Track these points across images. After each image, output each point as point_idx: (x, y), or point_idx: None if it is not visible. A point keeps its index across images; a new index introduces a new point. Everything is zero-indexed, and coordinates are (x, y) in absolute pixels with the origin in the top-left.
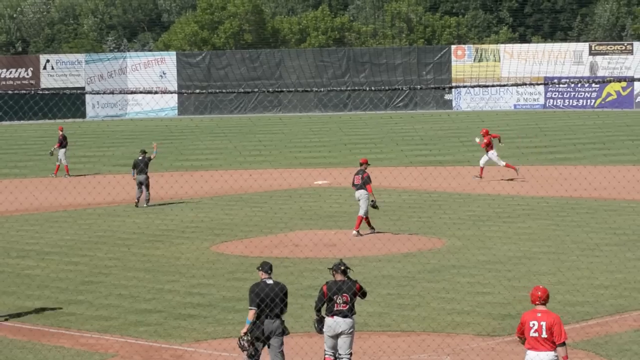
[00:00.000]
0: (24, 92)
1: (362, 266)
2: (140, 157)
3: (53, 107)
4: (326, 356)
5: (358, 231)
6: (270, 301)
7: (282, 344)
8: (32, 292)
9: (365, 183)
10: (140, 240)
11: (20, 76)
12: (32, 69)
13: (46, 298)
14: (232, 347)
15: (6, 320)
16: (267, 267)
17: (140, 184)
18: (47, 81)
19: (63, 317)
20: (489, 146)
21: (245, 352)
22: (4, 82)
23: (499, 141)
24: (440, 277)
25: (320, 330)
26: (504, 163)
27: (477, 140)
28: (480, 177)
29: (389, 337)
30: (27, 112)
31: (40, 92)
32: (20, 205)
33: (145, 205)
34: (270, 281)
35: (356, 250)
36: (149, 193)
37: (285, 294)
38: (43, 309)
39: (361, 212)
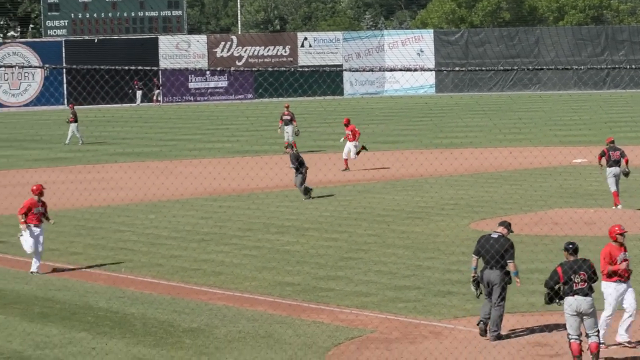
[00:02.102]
0: (284, 69)
1: None
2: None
3: (313, 84)
4: (572, 341)
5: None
6: (485, 252)
7: (499, 295)
8: (292, 267)
9: (622, 157)
10: (399, 217)
11: (279, 54)
12: (290, 46)
13: (305, 274)
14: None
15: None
16: (506, 224)
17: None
18: (305, 58)
19: (322, 293)
20: (354, 137)
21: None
22: (262, 60)
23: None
24: None
25: (549, 301)
26: (355, 156)
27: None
28: (346, 168)
29: None
30: (287, 89)
31: (300, 69)
32: (280, 181)
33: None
34: (495, 235)
35: None
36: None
37: (507, 249)
38: (301, 285)
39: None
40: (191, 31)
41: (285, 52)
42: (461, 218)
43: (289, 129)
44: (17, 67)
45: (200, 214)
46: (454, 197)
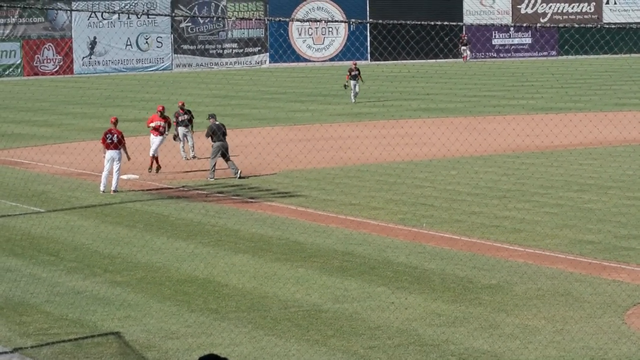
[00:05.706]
0: (590, 26)
1: None
2: None
3: (619, 41)
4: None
5: None
6: None
7: None
8: (592, 225)
9: None
10: None
11: (583, 10)
12: (594, 3)
13: (606, 232)
14: None
15: None
16: None
17: None
18: (611, 15)
19: (623, 252)
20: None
21: None
22: (566, 17)
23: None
24: None
25: None
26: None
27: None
28: (150, 170)
29: None
30: (593, 46)
31: (607, 26)
32: (584, 138)
33: None
34: None
35: None
36: None
37: None
38: (602, 243)
39: None
40: None
41: (589, 9)
42: None
43: None
44: (322, 22)
45: (501, 171)
46: None
